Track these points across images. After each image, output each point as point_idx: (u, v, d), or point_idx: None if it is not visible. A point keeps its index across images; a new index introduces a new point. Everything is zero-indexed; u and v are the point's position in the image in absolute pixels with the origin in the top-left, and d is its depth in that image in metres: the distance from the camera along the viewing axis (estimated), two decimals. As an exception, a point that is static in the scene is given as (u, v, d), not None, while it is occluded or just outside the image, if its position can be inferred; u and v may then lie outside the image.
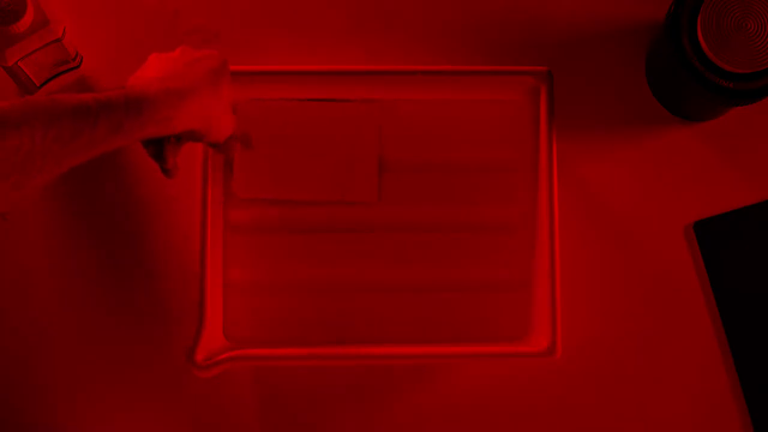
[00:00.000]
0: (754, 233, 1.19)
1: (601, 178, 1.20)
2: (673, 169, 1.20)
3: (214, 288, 1.13)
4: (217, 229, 1.14)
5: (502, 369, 1.18)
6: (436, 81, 1.16)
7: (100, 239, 1.18)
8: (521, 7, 1.21)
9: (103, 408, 1.17)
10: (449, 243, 1.17)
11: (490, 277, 1.17)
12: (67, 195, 1.18)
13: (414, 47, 1.21)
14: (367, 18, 1.21)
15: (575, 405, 1.18)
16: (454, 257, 1.17)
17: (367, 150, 1.17)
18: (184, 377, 1.15)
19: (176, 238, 1.18)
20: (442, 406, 1.18)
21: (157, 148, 1.02)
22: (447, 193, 1.18)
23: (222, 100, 1.02)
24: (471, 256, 1.17)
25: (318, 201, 1.17)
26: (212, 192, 1.13)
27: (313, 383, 1.17)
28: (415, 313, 1.17)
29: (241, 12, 1.21)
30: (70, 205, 1.18)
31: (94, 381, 1.17)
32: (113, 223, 1.18)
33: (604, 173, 1.20)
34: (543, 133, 1.14)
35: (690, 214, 1.19)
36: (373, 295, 1.17)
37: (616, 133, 1.20)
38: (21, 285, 1.18)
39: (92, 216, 1.18)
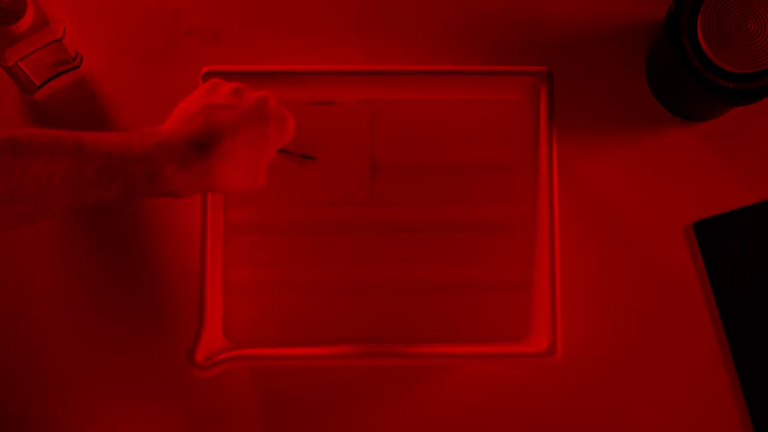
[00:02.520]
0: (754, 233, 1.18)
1: (601, 178, 1.20)
2: (673, 169, 1.20)
3: (214, 288, 1.13)
4: (217, 229, 1.14)
5: (502, 369, 1.18)
6: (436, 81, 1.16)
7: (101, 239, 1.18)
8: (521, 7, 1.21)
9: (103, 408, 1.17)
10: (449, 243, 1.17)
11: (490, 277, 1.17)
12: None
13: (414, 47, 1.21)
14: (367, 18, 1.21)
15: (575, 405, 1.18)
16: (454, 257, 1.17)
17: (359, 151, 1.17)
18: (184, 377, 1.15)
19: (176, 238, 1.18)
20: (442, 405, 1.17)
21: None
22: (447, 192, 1.18)
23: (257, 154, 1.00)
24: (471, 256, 1.17)
25: (309, 204, 1.17)
26: (212, 192, 1.13)
27: (313, 383, 1.17)
28: (414, 313, 1.17)
29: (241, 12, 1.21)
30: (70, 205, 1.18)
31: (93, 381, 1.17)
32: (113, 223, 1.18)
33: (604, 173, 1.20)
34: (543, 133, 1.13)
35: (690, 214, 1.19)
36: (373, 295, 1.17)
37: (616, 133, 1.20)
38: (21, 285, 1.18)
39: (92, 216, 1.18)
